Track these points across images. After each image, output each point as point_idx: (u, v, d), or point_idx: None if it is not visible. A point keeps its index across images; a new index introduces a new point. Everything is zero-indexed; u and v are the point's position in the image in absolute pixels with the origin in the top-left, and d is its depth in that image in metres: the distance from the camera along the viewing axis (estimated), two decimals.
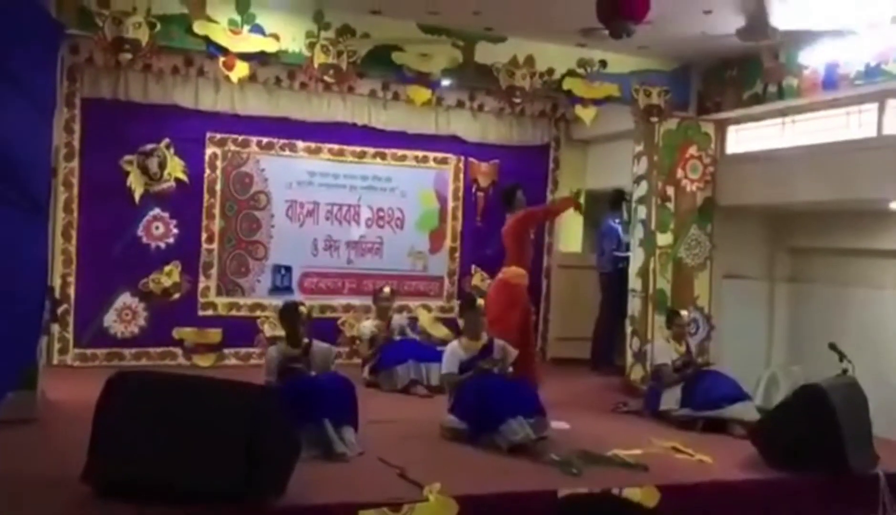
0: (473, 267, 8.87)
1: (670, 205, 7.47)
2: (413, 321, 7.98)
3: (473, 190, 8.91)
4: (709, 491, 4.74)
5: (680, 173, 7.48)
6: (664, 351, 6.52)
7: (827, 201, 6.60)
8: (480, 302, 6.02)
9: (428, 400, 6.63)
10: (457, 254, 8.86)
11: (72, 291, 7.34)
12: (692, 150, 7.50)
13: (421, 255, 8.73)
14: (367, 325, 7.45)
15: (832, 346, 5.62)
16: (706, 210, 7.55)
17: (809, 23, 6.07)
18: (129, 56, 6.01)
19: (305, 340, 5.37)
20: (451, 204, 8.84)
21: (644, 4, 5.22)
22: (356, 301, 8.34)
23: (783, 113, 7.05)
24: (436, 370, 6.86)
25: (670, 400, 6.23)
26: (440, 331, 8.00)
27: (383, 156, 8.50)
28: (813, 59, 6.52)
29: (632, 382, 7.45)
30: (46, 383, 5.80)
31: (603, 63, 7.28)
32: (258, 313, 7.94)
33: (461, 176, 8.85)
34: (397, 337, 7.37)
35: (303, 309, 5.49)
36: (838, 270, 7.22)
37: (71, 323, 7.35)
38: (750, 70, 7.13)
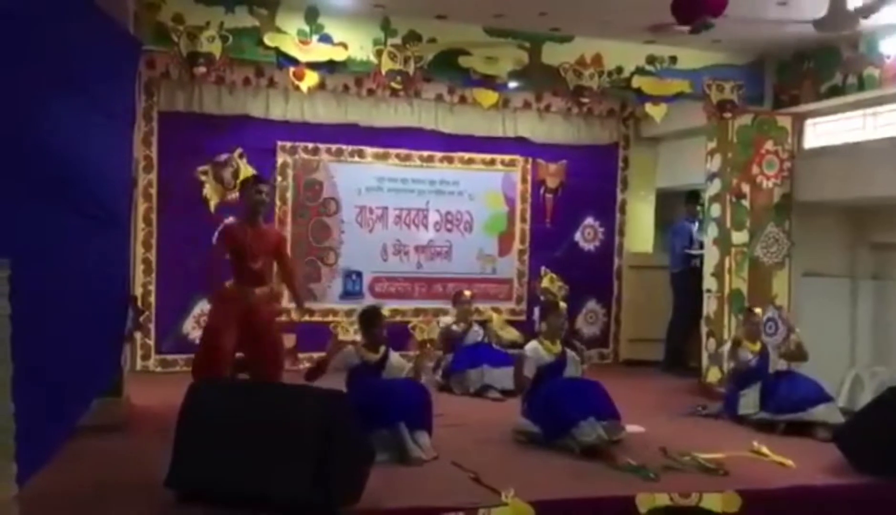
0: (543, 268, 8.80)
1: (745, 203, 7.26)
2: (483, 323, 7.92)
3: (541, 191, 8.85)
4: (792, 497, 4.60)
5: (755, 169, 7.27)
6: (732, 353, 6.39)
7: None
8: (563, 305, 5.98)
9: (500, 404, 6.61)
10: (525, 257, 8.82)
11: (152, 299, 7.57)
12: (768, 146, 7.28)
13: (490, 258, 8.72)
14: (446, 320, 7.55)
15: None
16: (783, 207, 7.32)
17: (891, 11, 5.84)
18: (203, 69, 6.17)
19: (383, 348, 5.39)
20: (519, 206, 8.80)
21: None
22: (426, 305, 8.39)
23: (864, 104, 6.79)
24: (508, 375, 6.84)
25: (750, 402, 6.08)
26: (511, 334, 7.97)
27: (451, 160, 8.52)
28: (894, 49, 6.28)
29: (708, 384, 7.28)
30: (131, 389, 6.00)
31: (673, 59, 7.16)
32: (331, 318, 8.04)
33: (528, 177, 8.80)
34: (471, 342, 7.37)
35: (385, 312, 5.47)
36: None
37: (153, 329, 7.58)
38: (828, 61, 6.92)
